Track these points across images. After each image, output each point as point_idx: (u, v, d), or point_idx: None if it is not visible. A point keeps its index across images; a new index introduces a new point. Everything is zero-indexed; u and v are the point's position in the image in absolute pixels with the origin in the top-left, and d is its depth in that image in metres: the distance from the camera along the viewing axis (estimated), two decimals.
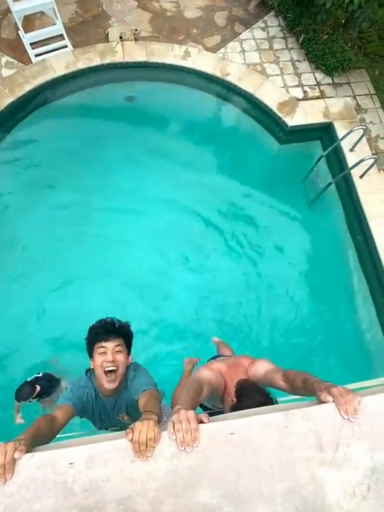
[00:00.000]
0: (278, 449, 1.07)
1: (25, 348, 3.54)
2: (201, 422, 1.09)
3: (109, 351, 1.66)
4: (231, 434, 1.08)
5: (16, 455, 1.03)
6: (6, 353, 3.56)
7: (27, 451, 1.06)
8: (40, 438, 1.26)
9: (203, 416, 1.11)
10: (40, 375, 3.06)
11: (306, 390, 1.33)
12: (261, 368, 1.74)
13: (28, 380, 2.99)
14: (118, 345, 1.69)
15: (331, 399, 1.14)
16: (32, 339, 3.59)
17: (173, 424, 1.07)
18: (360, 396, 1.13)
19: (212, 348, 3.20)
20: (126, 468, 1.03)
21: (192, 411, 1.11)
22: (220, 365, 1.87)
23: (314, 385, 1.26)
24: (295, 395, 1.49)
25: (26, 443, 1.09)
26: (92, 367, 1.74)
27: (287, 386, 1.54)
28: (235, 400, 1.61)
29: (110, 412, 1.87)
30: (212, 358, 2.47)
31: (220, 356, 2.59)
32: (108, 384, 1.68)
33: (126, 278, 3.92)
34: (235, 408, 1.58)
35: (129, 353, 1.78)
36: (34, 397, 2.91)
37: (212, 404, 2.03)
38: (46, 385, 2.99)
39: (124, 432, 1.09)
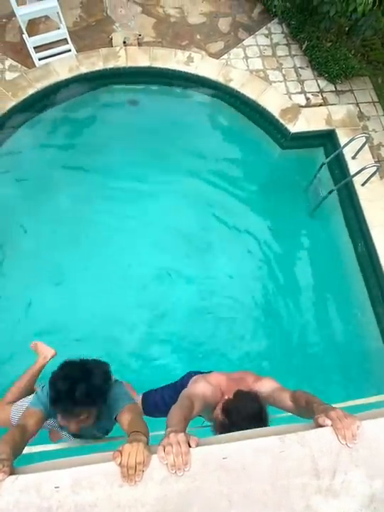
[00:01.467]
0: (273, 475, 1.03)
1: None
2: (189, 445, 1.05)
3: (72, 422, 1.44)
4: (224, 458, 1.04)
5: (0, 477, 0.99)
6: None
7: (10, 473, 1.02)
8: (16, 452, 1.21)
9: (192, 440, 1.07)
10: None
11: (307, 410, 1.29)
12: (267, 386, 1.69)
13: None
14: (85, 417, 1.43)
15: (328, 422, 1.10)
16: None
17: (164, 447, 1.04)
18: (359, 420, 1.09)
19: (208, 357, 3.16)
20: (114, 494, 0.99)
21: (182, 434, 1.07)
22: (220, 378, 1.82)
23: (314, 406, 1.23)
24: (299, 416, 1.45)
25: (9, 464, 1.04)
26: None
27: (293, 407, 1.49)
28: (231, 396, 1.55)
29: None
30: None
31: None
32: (77, 430, 1.50)
33: (123, 283, 3.89)
34: (226, 405, 1.54)
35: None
36: None
37: (208, 417, 1.98)
38: None
39: (110, 451, 1.05)
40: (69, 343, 3.41)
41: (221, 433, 1.52)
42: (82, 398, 1.37)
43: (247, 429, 1.27)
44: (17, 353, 3.43)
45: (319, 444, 1.06)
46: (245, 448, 1.05)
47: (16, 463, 1.11)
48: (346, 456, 1.05)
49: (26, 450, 1.43)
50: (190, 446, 1.05)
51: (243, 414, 1.46)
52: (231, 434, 1.16)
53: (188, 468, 1.02)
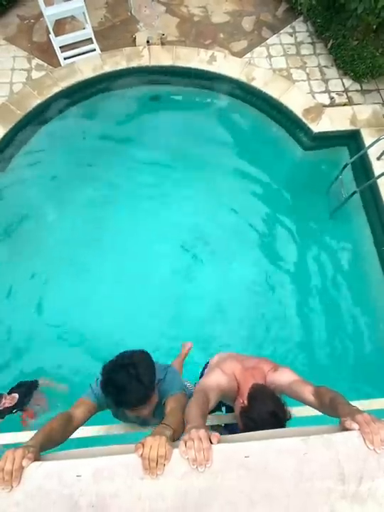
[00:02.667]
0: (296, 477, 1.00)
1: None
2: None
3: (142, 411, 1.48)
4: (246, 457, 1.02)
5: (24, 463, 1.01)
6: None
7: (35, 459, 1.03)
8: (52, 442, 1.23)
9: (213, 436, 1.05)
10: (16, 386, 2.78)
11: (332, 409, 1.25)
12: (285, 376, 1.64)
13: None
14: (147, 407, 1.49)
15: (356, 426, 1.06)
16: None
17: (185, 442, 1.03)
18: None
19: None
20: (134, 485, 0.98)
21: (203, 430, 1.06)
22: (234, 366, 1.78)
23: (339, 407, 1.18)
24: (320, 412, 1.41)
25: (35, 450, 1.06)
26: None
27: (315, 402, 1.44)
28: (246, 402, 1.54)
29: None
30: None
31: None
32: (141, 416, 1.58)
33: (142, 281, 3.91)
34: (244, 412, 1.52)
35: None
36: (9, 410, 2.60)
37: (227, 402, 1.94)
38: (23, 393, 2.71)
39: (133, 443, 1.05)
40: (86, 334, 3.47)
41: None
42: (141, 398, 1.41)
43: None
44: (34, 340, 3.51)
45: (345, 448, 1.03)
46: (268, 448, 1.03)
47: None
48: (374, 462, 1.01)
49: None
50: (211, 442, 1.04)
51: (259, 423, 1.43)
52: (253, 432, 1.14)
53: (210, 465, 1.00)
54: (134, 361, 1.41)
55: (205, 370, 2.22)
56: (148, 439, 1.04)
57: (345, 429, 1.08)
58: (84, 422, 1.49)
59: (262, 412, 1.42)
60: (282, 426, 1.45)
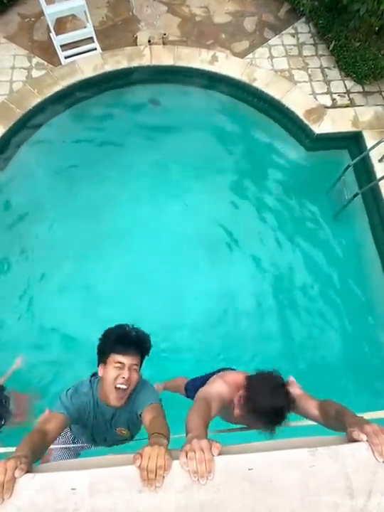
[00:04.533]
0: (301, 491, 0.95)
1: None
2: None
3: (125, 367, 1.55)
4: (249, 469, 0.97)
5: (17, 474, 0.96)
6: None
7: (28, 470, 0.98)
8: (36, 455, 1.18)
9: (214, 447, 1.00)
10: None
11: (338, 421, 1.21)
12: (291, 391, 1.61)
13: None
14: (135, 364, 1.59)
15: (364, 437, 1.01)
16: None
17: (186, 453, 0.98)
18: None
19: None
20: (132, 499, 0.94)
21: (205, 440, 1.01)
22: (236, 376, 1.73)
23: (345, 418, 1.14)
24: (326, 427, 1.36)
25: (27, 461, 1.01)
26: (100, 374, 1.63)
27: (320, 416, 1.41)
28: (243, 393, 1.49)
29: (107, 422, 1.75)
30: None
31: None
32: (115, 400, 1.59)
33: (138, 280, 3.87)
34: (246, 401, 1.46)
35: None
36: None
37: (227, 418, 1.90)
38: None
39: (124, 452, 1.00)
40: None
41: (243, 416, 1.47)
42: (136, 341, 1.60)
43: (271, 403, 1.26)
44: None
45: (353, 461, 0.98)
46: (273, 459, 0.98)
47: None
48: (383, 476, 0.97)
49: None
50: (212, 454, 0.99)
51: (265, 387, 1.40)
52: (257, 443, 1.09)
53: (212, 477, 0.96)
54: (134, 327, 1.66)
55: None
56: (147, 449, 1.00)
57: (352, 440, 1.03)
58: (56, 438, 1.45)
59: (265, 389, 1.38)
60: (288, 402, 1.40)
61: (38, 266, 3.91)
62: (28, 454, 1.07)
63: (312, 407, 1.42)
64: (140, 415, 1.57)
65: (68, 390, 1.67)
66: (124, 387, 1.56)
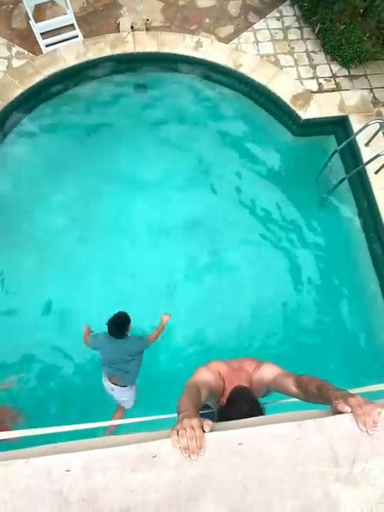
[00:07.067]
0: (290, 462, 0.99)
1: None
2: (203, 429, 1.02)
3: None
4: (239, 444, 1.00)
5: (206, 428, 1.02)
6: None
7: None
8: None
9: (206, 424, 1.03)
10: None
11: (321, 397, 1.24)
12: (268, 372, 1.65)
13: None
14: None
15: (348, 409, 1.05)
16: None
17: (177, 431, 1.00)
18: (380, 407, 1.04)
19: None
20: (126, 478, 0.96)
21: (196, 419, 1.04)
22: (220, 366, 1.79)
23: (329, 392, 1.17)
24: (307, 402, 1.40)
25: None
26: None
27: (299, 392, 1.45)
28: (224, 402, 1.56)
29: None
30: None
31: None
32: None
33: (127, 271, 3.87)
34: (221, 411, 1.54)
35: None
36: None
37: (214, 406, 1.96)
38: None
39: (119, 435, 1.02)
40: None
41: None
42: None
43: None
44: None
45: (338, 431, 1.02)
46: (261, 434, 1.02)
47: (26, 444, 1.08)
48: (367, 444, 1.01)
49: (39, 432, 1.41)
50: (204, 430, 1.02)
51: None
52: (248, 419, 1.13)
53: (202, 453, 0.98)
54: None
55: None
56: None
57: (337, 412, 1.07)
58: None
59: (235, 412, 1.43)
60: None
61: None
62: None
63: (290, 384, 1.46)
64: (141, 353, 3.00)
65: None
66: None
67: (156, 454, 0.99)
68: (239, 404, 1.48)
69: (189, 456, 0.98)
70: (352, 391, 1.56)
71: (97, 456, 0.98)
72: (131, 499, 0.94)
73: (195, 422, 1.03)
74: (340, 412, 1.06)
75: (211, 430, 1.04)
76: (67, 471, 0.95)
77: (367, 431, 1.02)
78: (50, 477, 0.94)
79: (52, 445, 1.01)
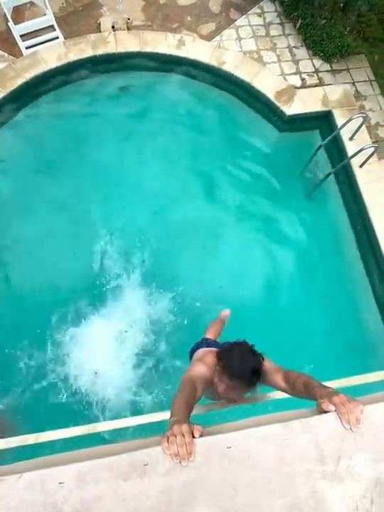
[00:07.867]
0: (277, 462, 1.02)
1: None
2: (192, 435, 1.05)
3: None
4: (228, 448, 1.03)
5: (196, 434, 1.04)
6: None
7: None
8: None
9: (195, 430, 1.06)
10: None
11: (307, 394, 1.28)
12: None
13: None
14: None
15: (332, 408, 1.09)
16: None
17: (168, 438, 1.03)
18: (362, 405, 1.08)
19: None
20: (118, 487, 0.98)
21: (186, 425, 1.07)
22: (212, 357, 1.82)
23: (315, 390, 1.21)
24: (294, 397, 1.45)
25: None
26: None
27: (288, 387, 1.50)
28: (220, 365, 1.61)
29: None
30: (200, 344, 2.42)
31: (204, 340, 2.55)
32: None
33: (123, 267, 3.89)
34: (224, 370, 1.57)
35: None
36: None
37: (212, 396, 1.99)
38: None
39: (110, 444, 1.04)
40: None
41: (226, 389, 1.57)
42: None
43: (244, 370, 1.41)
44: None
45: (323, 430, 1.06)
46: (249, 436, 1.05)
47: (18, 458, 1.10)
48: (350, 441, 1.05)
49: (33, 440, 1.43)
50: (194, 436, 1.05)
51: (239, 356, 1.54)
52: (235, 422, 1.16)
53: (192, 459, 1.01)
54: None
55: (191, 360, 2.26)
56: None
57: (322, 411, 1.11)
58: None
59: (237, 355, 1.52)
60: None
61: None
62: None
63: (279, 379, 1.52)
64: None
65: None
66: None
67: (147, 462, 1.01)
68: (236, 347, 1.58)
69: (180, 462, 1.00)
70: (339, 381, 1.63)
71: (89, 467, 1.00)
72: (124, 507, 0.96)
73: (185, 428, 1.05)
74: (325, 411, 1.10)
75: (201, 435, 1.07)
76: (60, 483, 0.97)
77: (350, 428, 1.06)
78: (43, 490, 0.96)
79: (44, 458, 1.03)
